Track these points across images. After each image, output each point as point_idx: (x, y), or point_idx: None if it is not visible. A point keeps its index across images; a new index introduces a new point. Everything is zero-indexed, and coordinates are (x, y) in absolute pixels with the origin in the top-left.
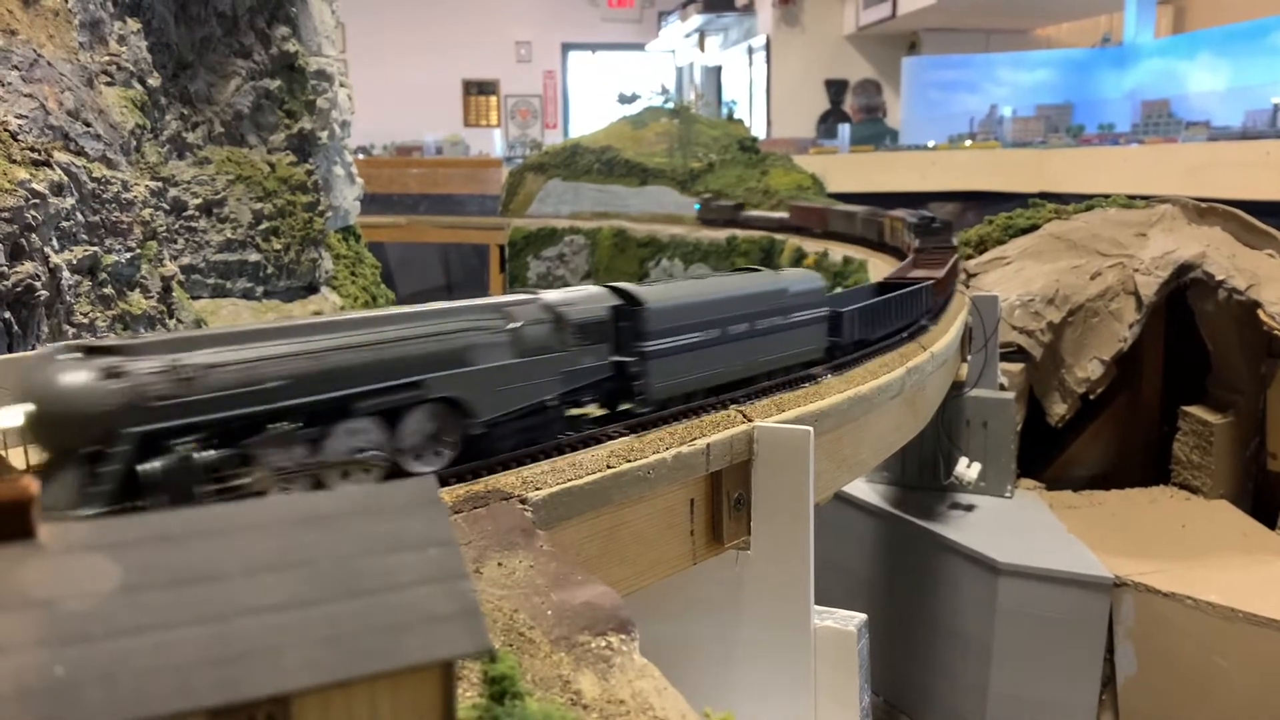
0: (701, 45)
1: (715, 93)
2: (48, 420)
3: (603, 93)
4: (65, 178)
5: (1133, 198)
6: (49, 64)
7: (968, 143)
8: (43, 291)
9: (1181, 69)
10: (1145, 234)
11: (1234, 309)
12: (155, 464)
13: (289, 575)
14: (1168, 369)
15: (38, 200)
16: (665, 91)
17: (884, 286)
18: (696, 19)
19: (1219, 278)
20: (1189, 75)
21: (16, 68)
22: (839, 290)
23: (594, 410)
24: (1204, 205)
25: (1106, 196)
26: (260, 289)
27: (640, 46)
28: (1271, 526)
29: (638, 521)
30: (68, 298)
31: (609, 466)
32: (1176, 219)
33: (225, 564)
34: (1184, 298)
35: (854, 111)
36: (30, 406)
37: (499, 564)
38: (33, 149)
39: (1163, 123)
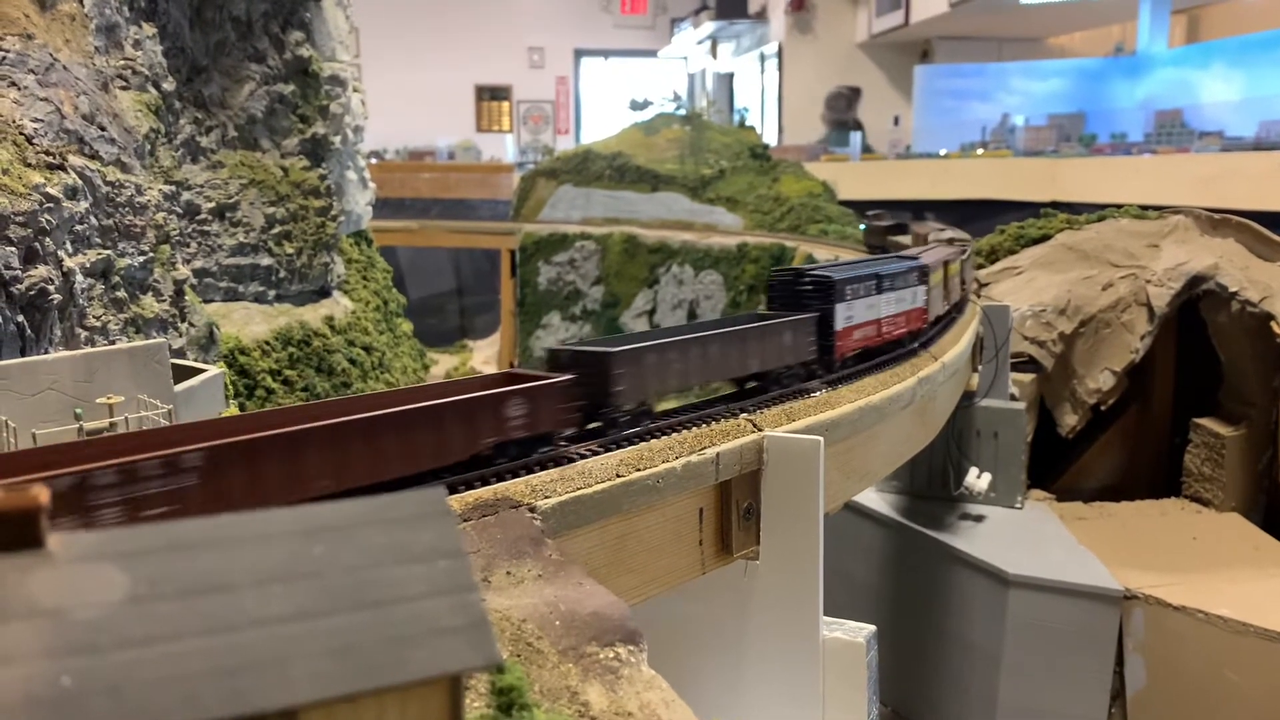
0: (714, 52)
1: (727, 99)
2: None
3: (615, 99)
4: (80, 181)
5: (1145, 208)
6: (65, 68)
7: (979, 151)
8: (56, 295)
9: (1195, 79)
10: (1157, 245)
11: (1247, 321)
12: None
13: (297, 586)
14: (1179, 381)
15: (52, 204)
16: (677, 98)
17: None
18: (709, 26)
19: (1232, 289)
20: (1202, 85)
21: (33, 71)
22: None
23: None
24: (1217, 216)
25: (1119, 207)
26: (272, 293)
27: (653, 53)
28: None
29: (646, 531)
30: (81, 301)
31: (618, 475)
32: (1189, 230)
33: (234, 575)
34: (1196, 309)
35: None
36: None
37: (507, 573)
38: (48, 152)
39: (1176, 133)
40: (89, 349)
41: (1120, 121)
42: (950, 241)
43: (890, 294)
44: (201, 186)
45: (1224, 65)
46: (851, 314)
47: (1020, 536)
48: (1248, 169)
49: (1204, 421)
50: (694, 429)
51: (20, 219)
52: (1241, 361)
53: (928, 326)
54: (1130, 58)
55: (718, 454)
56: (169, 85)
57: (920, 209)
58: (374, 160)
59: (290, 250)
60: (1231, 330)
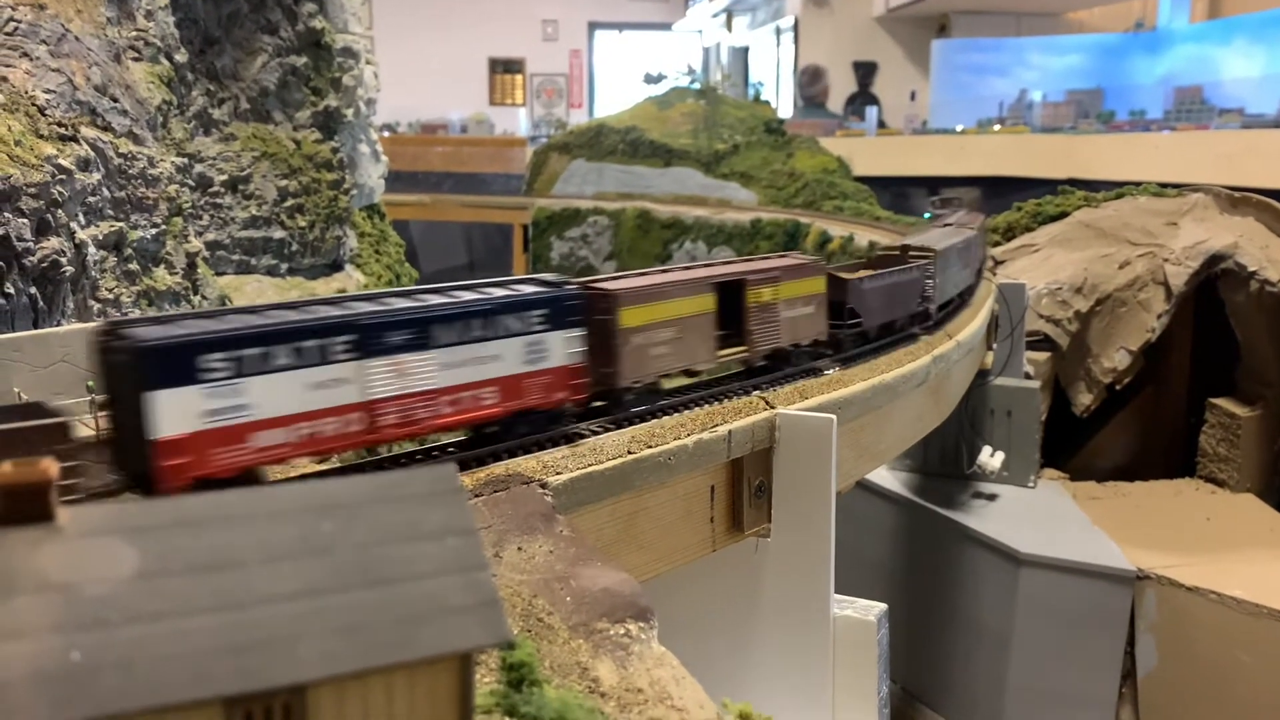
0: (729, 25)
1: (742, 74)
2: None
3: (629, 72)
4: (92, 153)
5: (1164, 186)
6: (77, 39)
7: (996, 127)
8: (68, 267)
9: (1216, 55)
10: (1176, 223)
11: (1265, 300)
12: None
13: (306, 564)
14: (1196, 360)
15: (64, 176)
16: (691, 72)
17: None
18: None
19: (1251, 269)
20: (1223, 61)
21: (45, 42)
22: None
23: None
24: (1237, 195)
25: (1137, 184)
26: (284, 266)
27: (667, 26)
28: None
29: (658, 508)
30: (93, 273)
31: (630, 452)
32: (1208, 208)
33: (243, 551)
34: (1214, 288)
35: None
36: None
37: (519, 548)
38: (60, 124)
39: (1195, 109)
40: (101, 321)
41: (1139, 98)
42: (903, 254)
43: (428, 354)
44: (214, 159)
45: (1246, 41)
46: (240, 402)
47: (1033, 516)
48: (1268, 146)
49: (1220, 401)
50: (706, 406)
51: (32, 190)
52: (1259, 341)
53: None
54: (1150, 33)
55: (730, 431)
56: (181, 57)
57: (936, 185)
58: (386, 133)
59: (302, 223)
60: (1250, 310)
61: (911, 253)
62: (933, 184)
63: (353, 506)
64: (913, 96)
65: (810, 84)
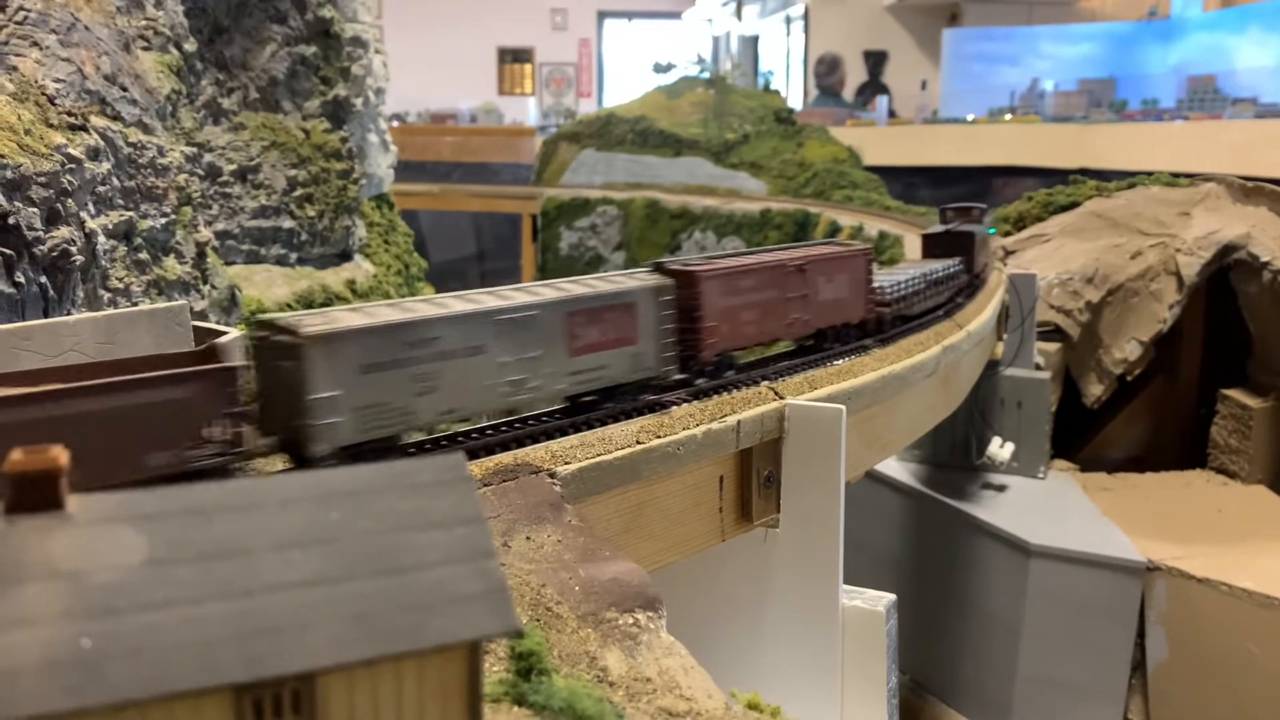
0: (739, 14)
1: (752, 63)
2: None
3: (638, 61)
4: (102, 142)
5: (1176, 176)
6: (86, 28)
7: (1008, 116)
8: (78, 256)
9: (1230, 43)
10: (1188, 213)
11: (1278, 291)
12: None
13: (316, 552)
14: (1207, 351)
15: (74, 165)
16: (701, 61)
17: None
18: None
19: (1264, 259)
20: (1237, 50)
21: (54, 31)
22: None
23: None
24: (1250, 184)
25: (1149, 174)
26: (294, 256)
27: (677, 15)
28: None
29: (666, 498)
30: (103, 263)
31: (639, 442)
32: (1221, 198)
33: (252, 539)
34: (1227, 279)
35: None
36: None
37: (527, 538)
38: (70, 113)
39: (1208, 99)
40: (111, 310)
41: (1152, 87)
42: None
43: None
44: (223, 148)
45: (1260, 29)
46: None
47: (1043, 507)
48: None
49: (1232, 393)
50: (715, 396)
51: (42, 180)
52: (1272, 332)
53: None
54: (1164, 21)
55: (739, 421)
56: (190, 46)
57: (946, 176)
58: (396, 123)
59: (312, 213)
60: (1262, 300)
61: (281, 338)
62: (943, 174)
63: (361, 495)
64: (923, 86)
65: (828, 74)
